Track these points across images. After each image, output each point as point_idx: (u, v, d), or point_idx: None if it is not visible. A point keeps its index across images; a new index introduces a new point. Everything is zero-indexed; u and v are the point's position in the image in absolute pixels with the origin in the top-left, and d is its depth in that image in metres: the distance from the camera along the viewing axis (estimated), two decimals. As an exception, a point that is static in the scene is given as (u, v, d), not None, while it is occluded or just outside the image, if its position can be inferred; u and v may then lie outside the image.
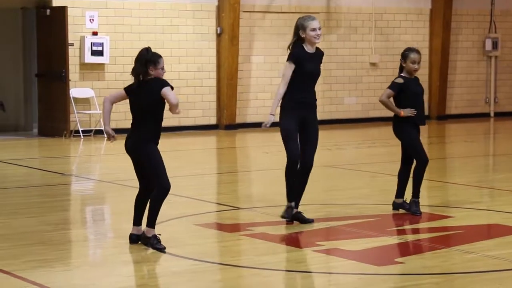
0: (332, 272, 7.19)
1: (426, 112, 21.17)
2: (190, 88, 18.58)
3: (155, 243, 7.60)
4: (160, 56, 7.82)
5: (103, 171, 13.65)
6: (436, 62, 21.22)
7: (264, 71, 19.44)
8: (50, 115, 17.62)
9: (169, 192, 7.68)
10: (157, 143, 7.82)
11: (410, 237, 8.12)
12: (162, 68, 7.79)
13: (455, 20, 21.57)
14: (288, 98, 8.58)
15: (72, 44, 17.34)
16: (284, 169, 8.63)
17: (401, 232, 8.32)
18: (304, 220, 8.63)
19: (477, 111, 22.11)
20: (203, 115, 18.80)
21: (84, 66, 17.57)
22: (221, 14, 18.73)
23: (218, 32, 18.76)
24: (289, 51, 8.71)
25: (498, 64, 22.47)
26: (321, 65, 8.80)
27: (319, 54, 8.74)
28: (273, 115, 8.60)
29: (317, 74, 8.69)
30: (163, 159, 7.73)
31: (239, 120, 19.13)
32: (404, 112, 9.05)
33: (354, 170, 12.63)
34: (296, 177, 8.63)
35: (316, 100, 8.75)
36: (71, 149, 16.21)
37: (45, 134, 17.62)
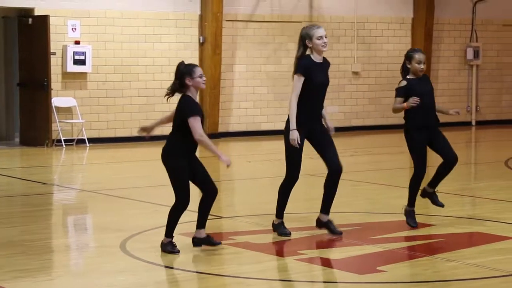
0: (314, 281, 7.20)
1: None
2: (173, 97, 18.52)
3: (168, 249, 7.78)
4: (194, 66, 7.88)
5: (85, 180, 13.62)
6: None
7: (246, 80, 19.47)
8: (32, 124, 17.56)
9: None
10: (187, 157, 7.83)
11: (393, 246, 8.14)
12: (200, 77, 7.80)
13: (437, 29, 21.70)
14: (298, 112, 8.44)
15: (54, 53, 17.31)
16: (280, 185, 8.55)
17: (383, 241, 8.34)
18: (334, 232, 8.54)
19: (458, 120, 22.16)
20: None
21: (66, 75, 17.54)
22: (204, 23, 18.75)
23: (201, 41, 18.78)
24: (296, 63, 8.49)
25: (480, 73, 22.59)
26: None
27: (326, 63, 8.60)
28: (295, 129, 8.40)
29: (326, 84, 8.53)
30: (186, 174, 7.77)
31: (221, 129, 19.13)
32: (407, 104, 8.71)
33: (337, 178, 12.64)
34: (326, 183, 8.57)
35: (322, 109, 8.60)
36: (53, 159, 16.15)
37: (27, 144, 17.56)
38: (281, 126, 21.67)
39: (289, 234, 8.52)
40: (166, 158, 7.85)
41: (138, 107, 18.25)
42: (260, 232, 8.78)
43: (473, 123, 22.48)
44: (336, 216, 9.08)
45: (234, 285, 6.94)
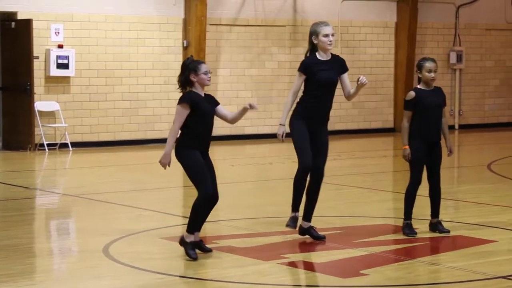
0: (297, 285, 7.21)
1: (392, 125, 21.50)
2: (156, 101, 18.55)
3: (187, 249, 7.71)
4: (200, 62, 7.91)
5: (68, 184, 13.57)
6: (401, 75, 21.38)
7: (230, 84, 19.47)
8: (15, 128, 17.49)
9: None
10: (199, 150, 7.79)
11: (375, 249, 8.16)
12: (205, 73, 7.82)
13: (420, 33, 21.78)
14: (301, 107, 8.42)
15: (37, 57, 17.25)
16: (294, 177, 8.45)
17: (366, 244, 8.35)
18: (316, 237, 8.54)
19: (442, 124, 22.29)
20: (169, 128, 18.69)
21: (49, 79, 17.49)
22: (188, 27, 18.75)
23: (185, 45, 18.77)
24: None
25: (463, 76, 22.70)
26: (329, 72, 8.41)
27: (336, 61, 8.49)
28: (283, 125, 8.41)
29: (330, 82, 8.41)
30: (202, 166, 7.71)
31: (205, 133, 19.10)
32: (404, 150, 8.62)
33: (320, 182, 12.65)
34: (308, 190, 8.54)
35: (330, 109, 8.53)
36: (36, 163, 16.10)
37: (10, 148, 17.48)
38: (265, 129, 21.71)
39: (294, 227, 8.46)
40: (177, 153, 7.84)
41: (121, 111, 18.21)
42: (243, 236, 8.78)
43: (456, 126, 22.57)
44: (319, 220, 9.09)
45: (217, 289, 6.95)
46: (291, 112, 8.53)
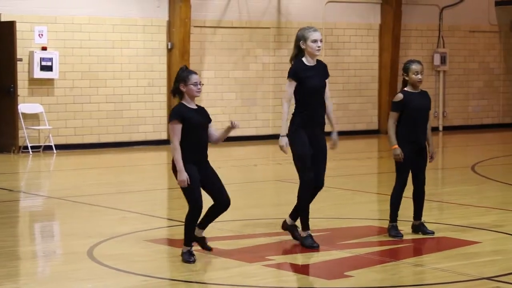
0: (282, 287, 7.21)
1: (376, 127, 21.55)
2: (140, 103, 18.52)
3: (185, 258, 7.67)
4: (191, 73, 7.79)
5: (52, 187, 13.54)
6: (385, 76, 21.43)
7: (215, 86, 19.46)
8: (-1, 130, 17.43)
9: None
10: (194, 163, 7.74)
11: (360, 251, 8.18)
12: (195, 84, 7.76)
13: (404, 35, 21.84)
14: (298, 118, 8.38)
15: (20, 59, 17.19)
16: (298, 194, 8.44)
17: (351, 246, 8.37)
18: (295, 237, 8.52)
19: (426, 125, 22.34)
20: (153, 130, 18.76)
21: (33, 81, 17.43)
22: (172, 29, 18.73)
23: (169, 47, 18.75)
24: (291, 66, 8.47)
25: (447, 78, 22.78)
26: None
27: (321, 66, 8.51)
28: (284, 136, 8.34)
29: (320, 87, 8.41)
30: (195, 181, 7.65)
31: (190, 135, 19.08)
32: (394, 150, 8.60)
33: (305, 184, 12.65)
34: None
35: (324, 113, 8.50)
36: (20, 165, 16.04)
37: (-7, 150, 17.43)
38: (250, 132, 21.70)
39: (317, 246, 8.30)
40: (173, 169, 7.75)
41: (106, 113, 18.17)
42: (228, 238, 8.78)
43: (440, 128, 22.65)
44: (304, 221, 9.09)
45: (202, 291, 6.94)
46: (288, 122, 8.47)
